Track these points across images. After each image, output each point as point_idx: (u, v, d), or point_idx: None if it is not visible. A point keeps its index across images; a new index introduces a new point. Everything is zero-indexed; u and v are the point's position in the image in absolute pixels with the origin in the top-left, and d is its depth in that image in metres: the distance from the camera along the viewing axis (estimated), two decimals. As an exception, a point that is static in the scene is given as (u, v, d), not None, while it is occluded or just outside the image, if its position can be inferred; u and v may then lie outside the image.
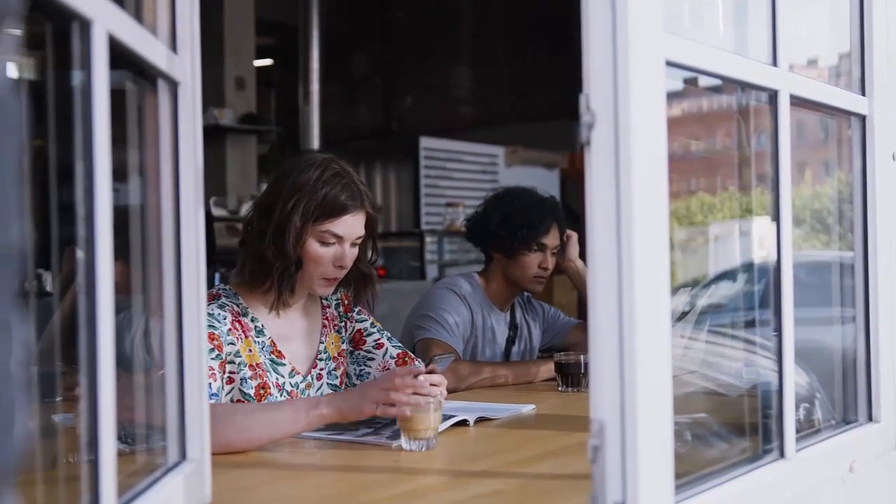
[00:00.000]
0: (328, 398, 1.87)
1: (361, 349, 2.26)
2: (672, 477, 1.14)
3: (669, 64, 1.15)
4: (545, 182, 6.59)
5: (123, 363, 1.36)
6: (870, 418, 1.72)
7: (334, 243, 2.06)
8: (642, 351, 1.07)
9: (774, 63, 1.42)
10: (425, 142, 8.19)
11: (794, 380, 1.49)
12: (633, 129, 1.07)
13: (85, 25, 0.92)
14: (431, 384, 1.96)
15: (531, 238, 2.88)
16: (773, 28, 1.42)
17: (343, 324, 2.27)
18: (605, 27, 1.07)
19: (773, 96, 1.42)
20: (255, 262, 2.06)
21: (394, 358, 2.24)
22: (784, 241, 1.43)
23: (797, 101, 1.47)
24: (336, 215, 2.04)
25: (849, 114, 1.71)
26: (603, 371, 1.08)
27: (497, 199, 2.98)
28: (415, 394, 1.89)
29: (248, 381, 2.01)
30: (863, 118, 1.71)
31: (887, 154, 1.74)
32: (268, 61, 9.69)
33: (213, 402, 1.83)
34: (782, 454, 1.42)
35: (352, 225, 2.07)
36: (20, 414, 0.50)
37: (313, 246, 2.05)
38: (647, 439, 1.08)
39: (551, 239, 2.92)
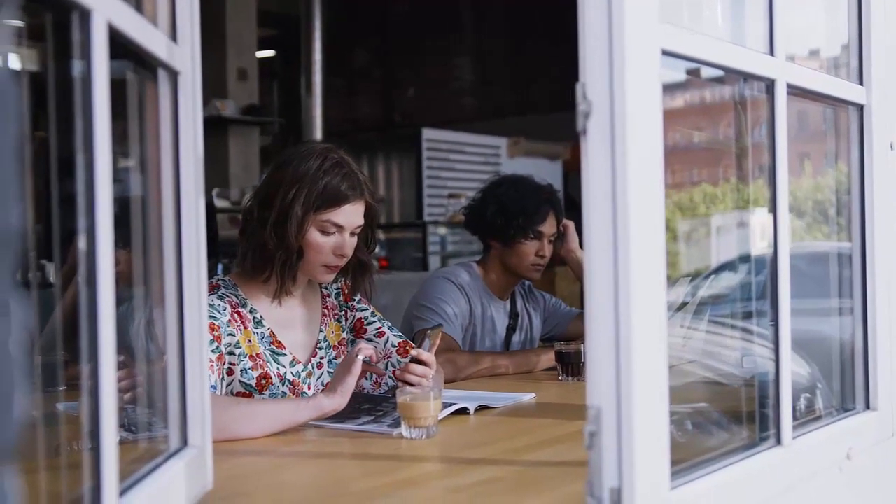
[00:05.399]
0: (323, 391, 1.92)
1: (363, 338, 2.27)
2: (668, 463, 1.15)
3: (665, 53, 1.15)
4: (548, 173, 6.59)
5: (128, 351, 1.37)
6: (867, 406, 1.73)
7: (335, 232, 2.07)
8: (638, 338, 1.08)
9: (771, 52, 1.42)
10: (428, 133, 8.19)
11: (796, 370, 1.49)
12: (629, 118, 1.08)
13: (85, 15, 0.93)
14: (421, 362, 2.02)
15: (527, 226, 2.88)
16: (770, 18, 1.42)
17: (343, 313, 2.28)
18: (600, 17, 1.08)
19: (769, 85, 1.43)
20: (256, 251, 2.07)
21: (395, 346, 2.26)
22: (781, 230, 1.44)
23: (794, 91, 1.47)
24: (337, 205, 2.05)
25: (847, 103, 1.71)
26: (599, 358, 1.09)
27: (494, 187, 2.98)
28: (411, 377, 1.97)
29: (249, 371, 2.02)
30: (861, 107, 1.72)
31: (885, 143, 1.74)
32: (270, 53, 9.69)
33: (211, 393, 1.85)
34: (779, 441, 1.43)
35: (352, 214, 2.08)
36: (20, 394, 0.51)
37: (314, 235, 2.06)
38: (642, 425, 1.09)
39: (548, 227, 2.92)
